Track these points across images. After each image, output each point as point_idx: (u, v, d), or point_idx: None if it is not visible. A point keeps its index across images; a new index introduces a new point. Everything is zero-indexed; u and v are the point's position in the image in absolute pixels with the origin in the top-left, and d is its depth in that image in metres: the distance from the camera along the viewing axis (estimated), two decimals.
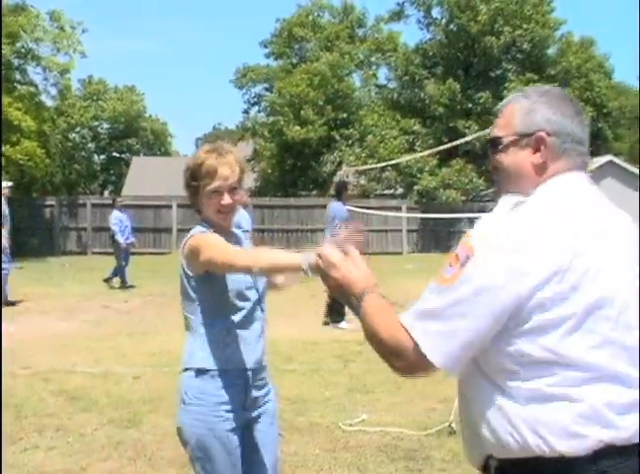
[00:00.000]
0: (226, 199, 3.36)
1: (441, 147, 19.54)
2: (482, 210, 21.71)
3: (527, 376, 2.01)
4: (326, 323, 12.36)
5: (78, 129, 55.19)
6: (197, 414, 3.31)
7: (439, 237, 30.76)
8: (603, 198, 2.25)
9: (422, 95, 35.61)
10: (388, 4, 61.05)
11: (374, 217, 29.43)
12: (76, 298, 16.11)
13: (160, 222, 31.60)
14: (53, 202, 31.63)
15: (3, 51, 28.32)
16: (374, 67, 45.15)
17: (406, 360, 2.16)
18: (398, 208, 31.22)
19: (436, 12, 37.62)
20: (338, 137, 37.11)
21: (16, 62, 31.30)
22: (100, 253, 28.67)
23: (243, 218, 4.06)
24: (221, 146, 3.49)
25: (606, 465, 1.98)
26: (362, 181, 36.22)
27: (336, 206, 12.24)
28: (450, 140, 24.14)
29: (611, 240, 2.11)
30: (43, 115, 32.48)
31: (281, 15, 48.17)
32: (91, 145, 58.42)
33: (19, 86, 31.57)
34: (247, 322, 3.42)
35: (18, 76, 31.90)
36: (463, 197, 32.51)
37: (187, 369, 3.41)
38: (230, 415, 3.33)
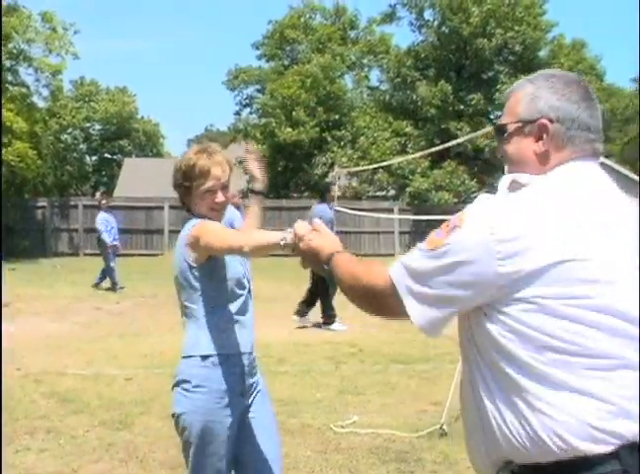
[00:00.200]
0: (220, 197, 3.55)
1: (433, 149, 19.56)
2: None
3: (542, 373, 1.95)
4: (317, 324, 12.40)
5: (70, 131, 54.98)
6: (200, 400, 3.44)
7: None
8: (611, 187, 2.18)
9: (414, 97, 35.58)
10: (380, 6, 61.27)
11: (366, 219, 29.47)
12: (68, 300, 16.07)
13: (152, 224, 31.54)
14: (45, 204, 31.52)
15: None
16: (366, 69, 45.20)
17: (384, 305, 2.21)
18: (390, 210, 31.19)
19: (428, 14, 37.61)
20: (330, 139, 37.08)
21: (8, 63, 31.20)
22: (91, 254, 28.51)
23: (236, 217, 4.14)
24: (210, 146, 3.69)
25: (630, 464, 1.92)
26: (354, 183, 36.22)
27: (320, 208, 12.30)
28: (442, 142, 24.17)
29: (614, 232, 2.05)
30: (35, 116, 32.38)
31: (273, 17, 48.23)
32: (83, 146, 58.17)
33: (10, 87, 31.45)
34: (244, 308, 3.61)
35: (10, 77, 31.80)
36: (455, 199, 32.49)
37: (190, 357, 3.51)
38: (231, 401, 3.46)
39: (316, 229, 2.63)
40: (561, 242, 1.94)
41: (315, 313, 12.48)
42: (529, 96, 2.21)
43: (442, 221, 2.19)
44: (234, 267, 3.56)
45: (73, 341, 11.15)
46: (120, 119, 58.12)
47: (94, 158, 60.33)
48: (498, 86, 34.55)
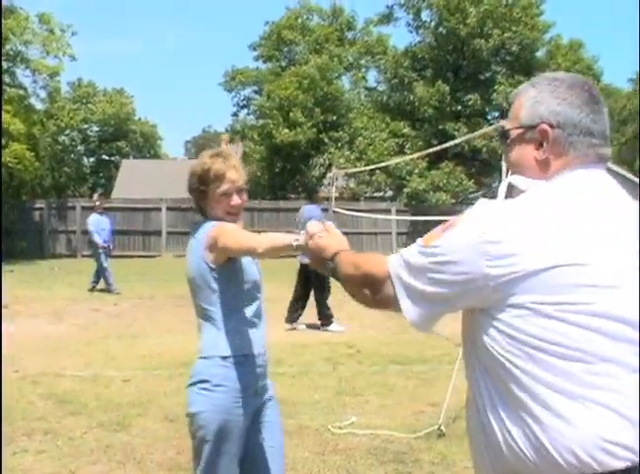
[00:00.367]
0: (235, 200, 3.62)
1: (431, 150, 19.52)
2: None
3: (544, 384, 1.90)
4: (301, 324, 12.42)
5: (67, 132, 54.96)
6: (220, 399, 3.48)
7: None
8: (619, 194, 2.12)
9: (411, 97, 35.57)
10: (378, 7, 61.38)
11: (364, 220, 29.48)
12: (65, 301, 16.07)
13: (149, 225, 31.54)
14: (43, 205, 31.55)
15: None
16: (364, 70, 45.29)
17: (380, 293, 2.20)
18: (388, 211, 31.19)
19: (425, 15, 37.61)
20: (327, 140, 37.13)
21: (5, 65, 31.18)
22: (89, 256, 28.44)
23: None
24: (224, 150, 3.82)
25: None
26: (352, 184, 36.27)
27: (309, 209, 12.46)
28: (440, 143, 24.14)
29: (623, 239, 1.99)
30: (33, 117, 32.40)
31: (271, 18, 48.22)
32: (80, 148, 58.11)
33: (8, 89, 31.43)
34: (260, 310, 3.71)
35: (7, 79, 31.79)
36: (453, 200, 32.52)
37: (209, 357, 3.56)
38: (246, 401, 3.53)
39: (327, 229, 2.66)
40: (558, 247, 1.90)
41: (311, 315, 12.47)
42: (531, 100, 2.17)
43: (440, 222, 2.18)
44: (251, 270, 3.65)
45: (71, 342, 11.14)
46: (118, 121, 58.13)
47: (91, 160, 60.31)
48: (495, 86, 34.58)
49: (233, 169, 3.63)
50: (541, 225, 1.93)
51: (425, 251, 2.07)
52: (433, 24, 37.15)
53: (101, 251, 18.20)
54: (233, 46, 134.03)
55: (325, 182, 34.70)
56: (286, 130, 36.52)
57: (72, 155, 55.50)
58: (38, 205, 31.64)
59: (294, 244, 3.02)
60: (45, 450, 6.21)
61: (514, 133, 2.21)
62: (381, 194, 36.06)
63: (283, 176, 38.45)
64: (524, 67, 35.29)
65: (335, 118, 37.83)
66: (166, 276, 20.81)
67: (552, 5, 78.05)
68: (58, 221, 31.36)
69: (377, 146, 34.38)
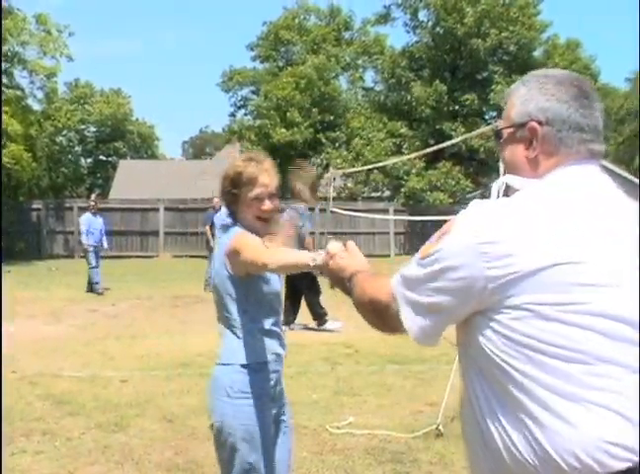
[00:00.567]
0: (267, 205, 3.63)
1: (428, 150, 19.53)
2: None
3: (543, 385, 1.88)
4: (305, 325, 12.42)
5: (65, 133, 54.87)
6: (243, 406, 3.47)
7: (426, 239, 30.16)
8: (613, 191, 2.09)
9: (408, 97, 35.59)
10: (375, 7, 61.35)
11: (362, 220, 29.47)
12: (63, 302, 16.06)
13: (147, 225, 31.52)
14: (40, 206, 31.52)
15: None
16: (361, 70, 45.25)
17: (388, 317, 2.18)
18: (385, 211, 31.17)
19: (422, 15, 37.66)
20: (324, 140, 37.15)
21: (2, 66, 31.16)
22: (85, 256, 28.57)
23: None
24: (258, 155, 3.83)
25: None
26: (350, 184, 36.29)
27: (294, 205, 13.00)
28: (437, 142, 24.18)
29: (620, 237, 1.97)
30: (30, 118, 32.36)
31: (268, 18, 48.12)
32: (78, 148, 58.04)
33: (5, 90, 31.39)
34: (279, 319, 3.71)
35: (4, 80, 31.76)
36: (450, 200, 32.55)
37: (229, 364, 3.55)
38: (268, 406, 3.54)
39: (348, 249, 2.63)
40: (553, 245, 1.89)
41: (308, 316, 12.47)
42: (521, 98, 2.15)
43: (437, 222, 2.18)
44: (274, 281, 3.63)
45: (69, 343, 11.13)
46: (115, 121, 58.03)
47: (89, 160, 60.21)
48: (492, 86, 34.62)
49: (265, 173, 3.64)
50: (533, 223, 1.92)
51: (422, 262, 2.06)
52: (430, 24, 37.19)
53: (90, 250, 18.31)
54: (230, 47, 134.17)
55: (322, 182, 34.70)
56: (284, 130, 36.55)
57: (69, 156, 55.50)
58: (35, 206, 31.62)
59: (312, 264, 2.94)
60: (44, 451, 6.20)
61: (505, 133, 2.20)
62: (379, 193, 36.11)
63: (281, 176, 38.41)
64: (522, 67, 35.27)
65: (332, 118, 37.85)
66: (164, 276, 20.84)
67: (549, 5, 78.20)
68: (56, 222, 31.32)
69: (375, 146, 34.41)
